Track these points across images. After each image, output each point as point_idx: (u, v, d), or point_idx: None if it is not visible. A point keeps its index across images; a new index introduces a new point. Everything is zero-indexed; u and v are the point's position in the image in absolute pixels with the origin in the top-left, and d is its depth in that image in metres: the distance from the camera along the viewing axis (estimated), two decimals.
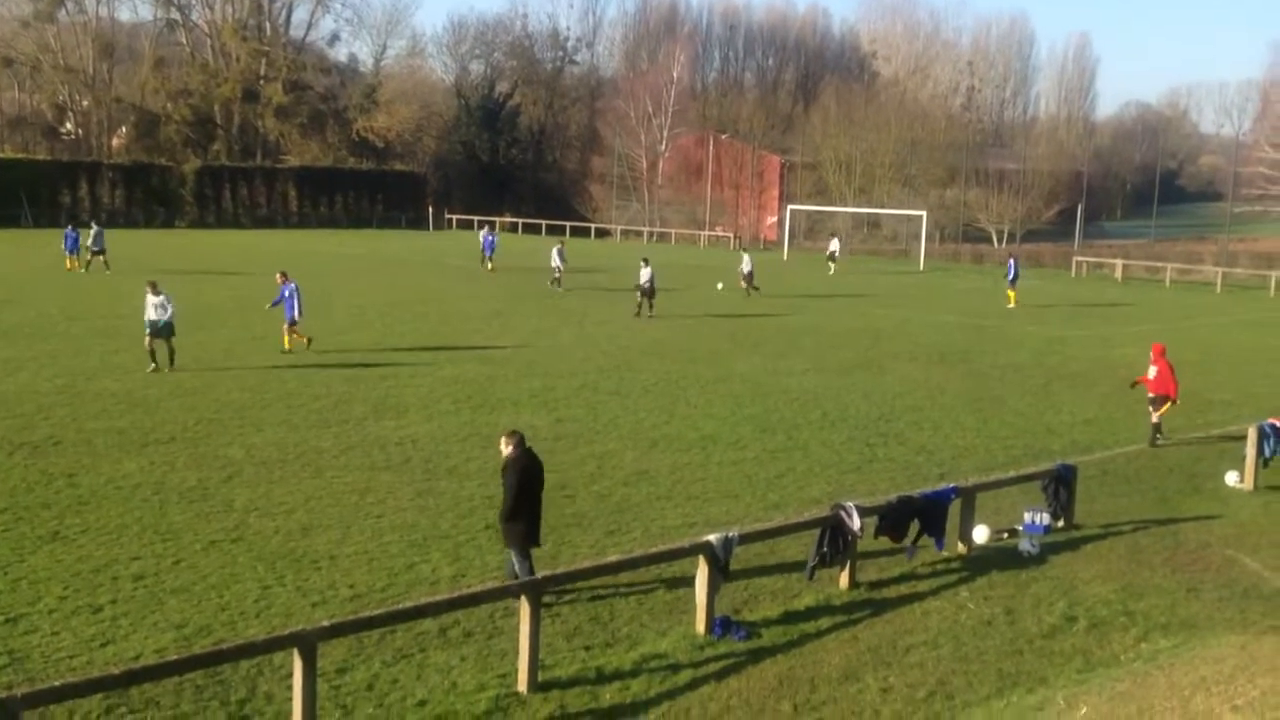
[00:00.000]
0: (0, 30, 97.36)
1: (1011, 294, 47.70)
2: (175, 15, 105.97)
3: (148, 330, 26.14)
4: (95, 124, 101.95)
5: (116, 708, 10.12)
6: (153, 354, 25.90)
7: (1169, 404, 21.62)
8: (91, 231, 50.21)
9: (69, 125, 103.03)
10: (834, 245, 65.65)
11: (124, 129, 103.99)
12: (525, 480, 12.57)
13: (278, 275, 30.24)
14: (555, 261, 46.50)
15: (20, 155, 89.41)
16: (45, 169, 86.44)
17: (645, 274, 38.58)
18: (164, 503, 16.11)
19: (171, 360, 26.11)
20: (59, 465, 17.82)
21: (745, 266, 47.60)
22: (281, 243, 73.06)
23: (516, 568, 12.72)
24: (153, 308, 26.09)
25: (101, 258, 49.10)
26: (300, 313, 29.39)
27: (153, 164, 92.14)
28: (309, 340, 29.58)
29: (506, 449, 12.71)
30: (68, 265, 48.59)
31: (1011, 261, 49.50)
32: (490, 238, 57.44)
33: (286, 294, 29.35)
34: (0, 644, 11.36)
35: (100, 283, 44.03)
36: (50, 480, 17.01)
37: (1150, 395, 21.79)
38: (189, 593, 12.87)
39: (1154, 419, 21.59)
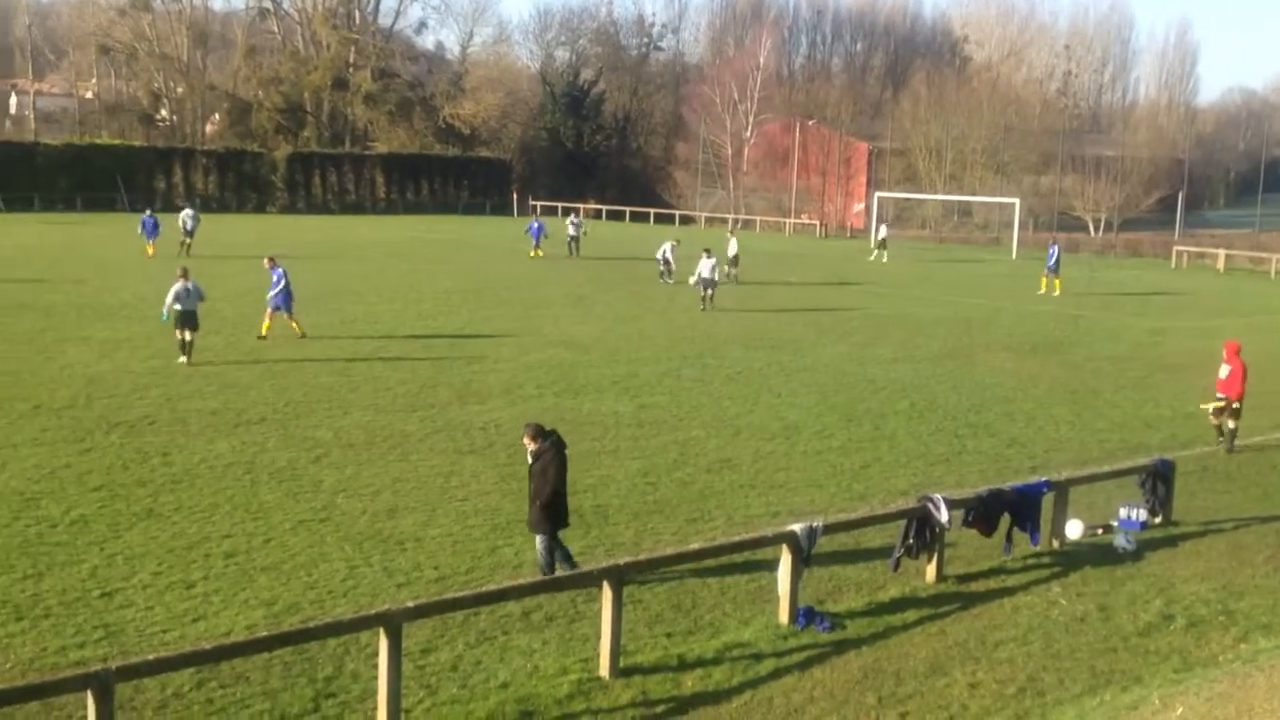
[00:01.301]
0: (98, 19, 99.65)
1: (1044, 280, 46.41)
2: (267, 4, 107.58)
3: (180, 321, 25.02)
4: (189, 111, 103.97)
5: (207, 682, 10.27)
6: (183, 344, 24.95)
7: (1231, 405, 20.09)
8: (183, 214, 51.27)
9: (164, 112, 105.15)
10: (883, 232, 64.72)
11: (217, 116, 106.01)
12: (563, 466, 12.70)
13: (265, 260, 29.72)
14: (666, 256, 44.45)
15: (117, 141, 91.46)
16: (141, 155, 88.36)
17: (707, 265, 36.81)
18: (255, 482, 16.36)
19: (191, 351, 24.99)
20: (154, 444, 18.17)
21: (731, 251, 45.62)
22: (369, 228, 73.95)
23: (551, 554, 12.72)
24: (188, 294, 25.14)
25: (188, 241, 49.58)
26: (290, 297, 28.58)
27: (245, 150, 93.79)
28: (280, 330, 28.46)
29: (534, 444, 12.71)
30: (149, 251, 48.16)
31: (1053, 248, 47.83)
32: (536, 224, 56.90)
33: (275, 279, 28.60)
34: (96, 618, 11.60)
35: (193, 266, 44.79)
36: (145, 459, 17.35)
37: (1218, 397, 20.35)
38: (278, 571, 13.05)
39: (1231, 425, 20.13)
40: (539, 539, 12.76)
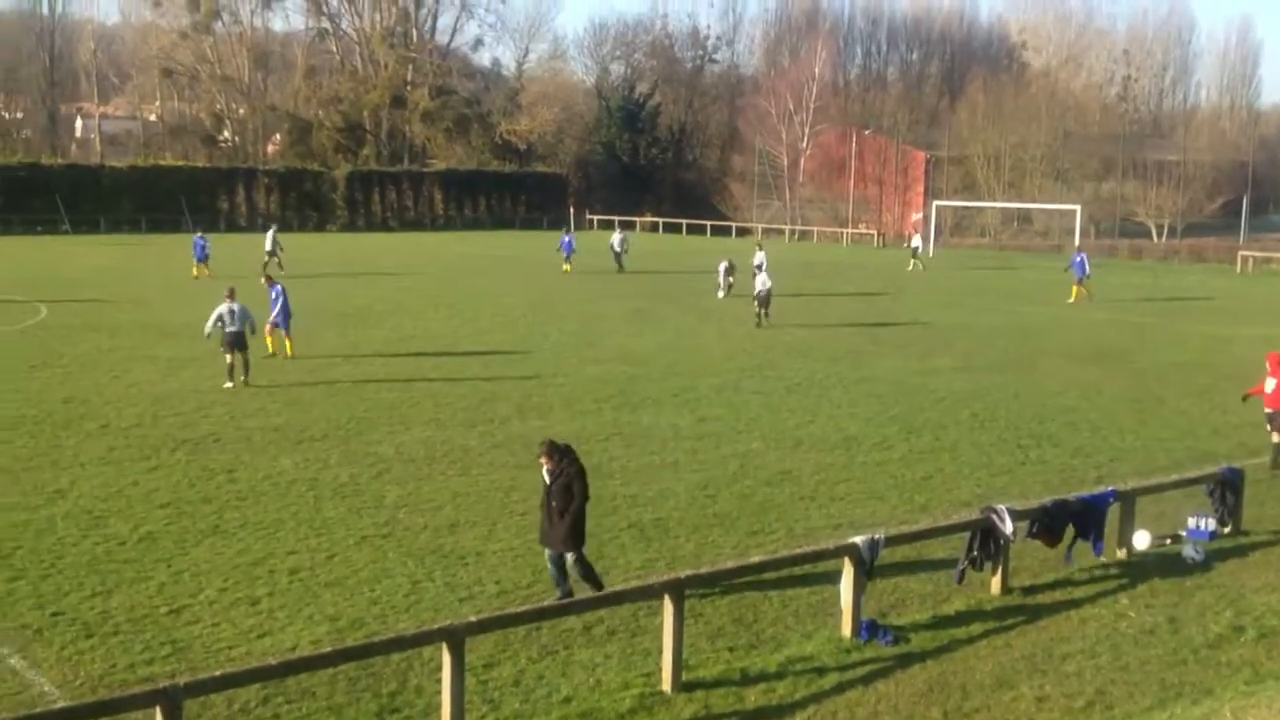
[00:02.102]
0: (160, 42, 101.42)
1: (1075, 289, 45.87)
2: (326, 25, 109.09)
3: (226, 342, 24.48)
4: (251, 131, 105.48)
5: (274, 697, 10.37)
6: (231, 368, 24.44)
7: None
8: (269, 233, 52.33)
9: (226, 133, 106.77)
10: (916, 241, 65.02)
11: (278, 136, 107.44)
12: (587, 482, 12.61)
13: (262, 279, 29.56)
14: (721, 278, 44.17)
15: (180, 162, 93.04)
16: (204, 175, 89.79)
17: (761, 280, 36.15)
18: (318, 498, 16.51)
19: (247, 371, 24.61)
20: (219, 461, 18.40)
21: (758, 262, 44.48)
22: (428, 244, 74.52)
23: (586, 569, 12.70)
24: (233, 316, 24.42)
25: (273, 259, 49.78)
26: (289, 315, 28.28)
27: (305, 169, 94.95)
28: (290, 349, 28.26)
29: (550, 463, 12.46)
30: (194, 274, 47.77)
31: (1080, 257, 47.15)
32: (567, 238, 55.91)
33: (274, 296, 28.26)
34: (164, 634, 11.75)
35: (259, 287, 45.32)
36: (211, 476, 17.57)
37: (1268, 411, 19.36)
38: (342, 586, 13.15)
39: (1276, 438, 19.20)
40: (570, 556, 12.61)
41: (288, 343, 28.46)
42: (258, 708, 10.23)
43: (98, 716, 8.90)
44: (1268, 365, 19.74)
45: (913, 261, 61.25)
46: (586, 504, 12.60)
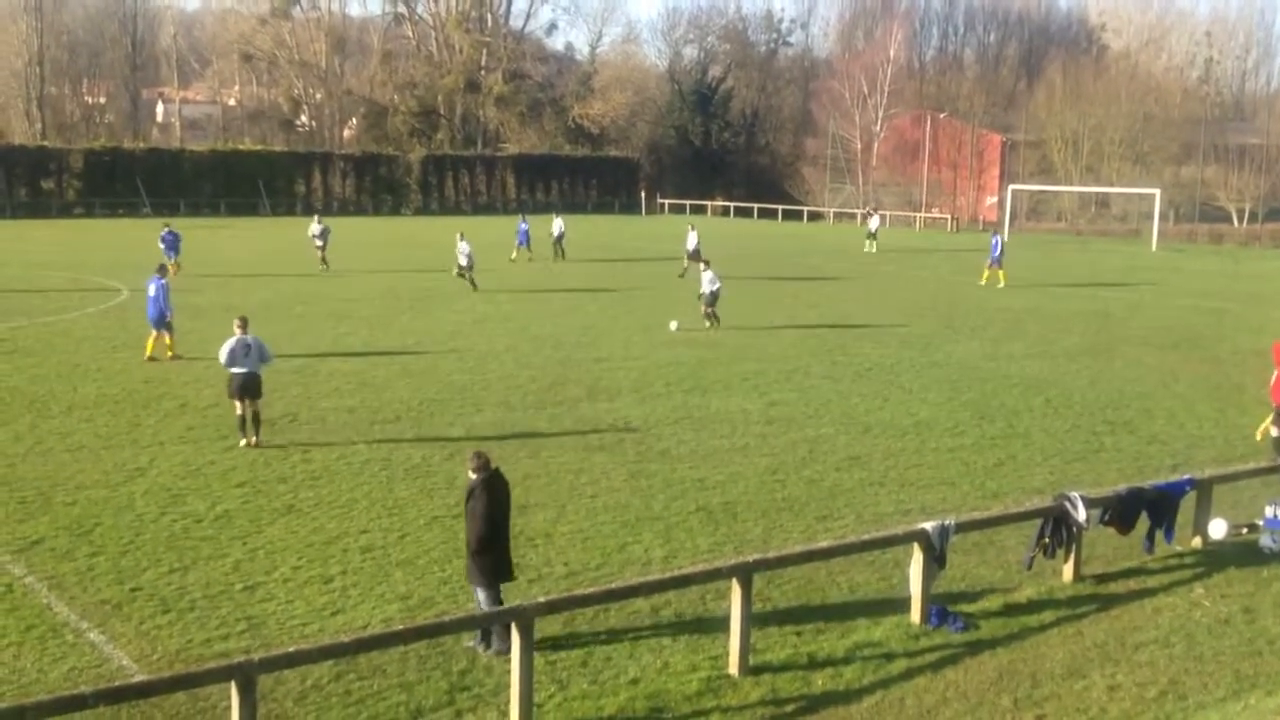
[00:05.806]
0: (240, 27, 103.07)
1: (988, 273, 44.99)
2: (402, 9, 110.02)
3: (235, 386, 18.27)
4: (327, 116, 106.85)
5: (345, 674, 10.53)
6: (243, 421, 18.33)
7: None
8: (316, 226, 46.77)
9: (303, 118, 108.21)
10: (874, 223, 65.45)
11: (354, 120, 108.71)
12: (494, 507, 10.95)
13: (157, 270, 26.73)
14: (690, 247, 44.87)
15: (259, 147, 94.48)
16: (281, 160, 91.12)
17: (707, 279, 31.22)
18: (390, 479, 16.71)
19: (257, 428, 18.45)
20: (294, 441, 18.67)
21: (690, 243, 45.24)
22: (500, 228, 74.83)
23: (484, 605, 11.00)
24: (246, 351, 18.40)
25: (320, 253, 45.63)
26: (169, 312, 25.63)
27: (380, 154, 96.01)
28: (165, 349, 25.75)
29: (472, 475, 11.08)
30: (171, 270, 41.46)
31: (996, 239, 46.22)
32: (523, 226, 51.76)
33: (152, 291, 25.47)
34: (239, 610, 11.97)
35: (326, 277, 45.83)
36: (286, 455, 17.85)
37: (1276, 406, 18.41)
38: (414, 565, 13.31)
39: (1274, 431, 18.16)
40: (478, 592, 11.15)
41: (152, 341, 25.86)
42: (330, 684, 10.39)
43: (175, 690, 9.10)
44: (1273, 356, 18.78)
45: (868, 243, 61.54)
46: (495, 534, 10.94)
